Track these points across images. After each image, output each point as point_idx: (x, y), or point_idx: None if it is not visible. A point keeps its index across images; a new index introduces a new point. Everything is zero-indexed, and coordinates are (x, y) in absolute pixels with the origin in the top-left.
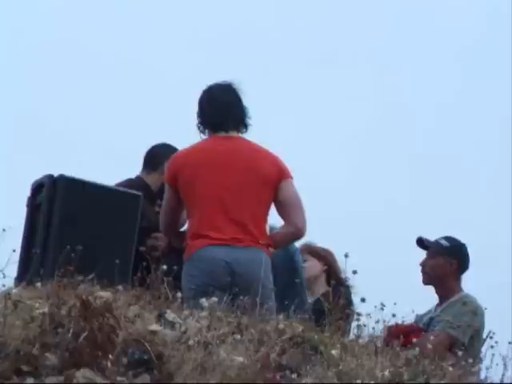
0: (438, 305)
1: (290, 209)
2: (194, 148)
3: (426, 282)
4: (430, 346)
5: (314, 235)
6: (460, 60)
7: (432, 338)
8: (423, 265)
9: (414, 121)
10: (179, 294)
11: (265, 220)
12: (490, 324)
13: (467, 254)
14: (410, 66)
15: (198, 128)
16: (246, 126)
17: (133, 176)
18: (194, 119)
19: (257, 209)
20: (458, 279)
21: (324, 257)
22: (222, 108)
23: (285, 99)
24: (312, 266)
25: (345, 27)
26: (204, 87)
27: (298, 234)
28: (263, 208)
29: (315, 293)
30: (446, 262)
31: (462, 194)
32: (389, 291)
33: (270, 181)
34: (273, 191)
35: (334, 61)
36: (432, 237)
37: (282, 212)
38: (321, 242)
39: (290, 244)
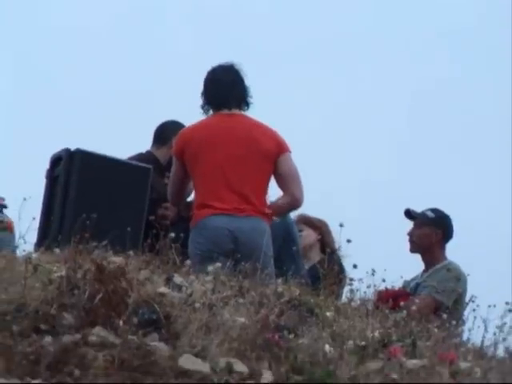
0: (424, 271)
1: (288, 180)
2: (200, 124)
3: (413, 250)
4: (416, 308)
5: (310, 206)
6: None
7: (418, 301)
8: (410, 234)
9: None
10: (188, 262)
11: (265, 191)
12: (472, 289)
13: (451, 225)
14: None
15: (203, 108)
16: (247, 104)
17: (143, 150)
18: (198, 99)
19: (257, 181)
20: (442, 248)
21: (318, 227)
22: (224, 87)
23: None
24: (307, 236)
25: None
26: (208, 69)
27: (296, 203)
28: (263, 180)
29: (311, 260)
30: (431, 231)
31: (449, 169)
32: (379, 258)
33: (269, 154)
34: (272, 164)
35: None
36: (419, 208)
37: (281, 184)
38: (316, 213)
39: (288, 213)
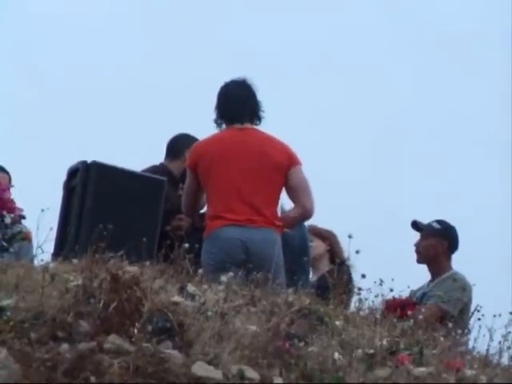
0: (430, 281)
1: (299, 192)
2: (213, 138)
3: (420, 261)
4: (422, 317)
5: (318, 217)
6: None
7: (424, 310)
8: (417, 245)
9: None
10: (200, 271)
11: (276, 203)
12: (477, 299)
13: (457, 236)
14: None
15: (216, 122)
16: (259, 119)
17: (157, 163)
18: (211, 113)
19: (269, 193)
20: (448, 258)
21: (327, 238)
22: (238, 102)
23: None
24: (317, 246)
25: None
26: (221, 83)
27: (307, 214)
28: (275, 192)
29: (319, 271)
30: (437, 242)
31: (456, 178)
32: (387, 269)
33: (281, 167)
34: (283, 177)
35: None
36: (426, 220)
37: (292, 196)
38: (324, 224)
39: (299, 224)
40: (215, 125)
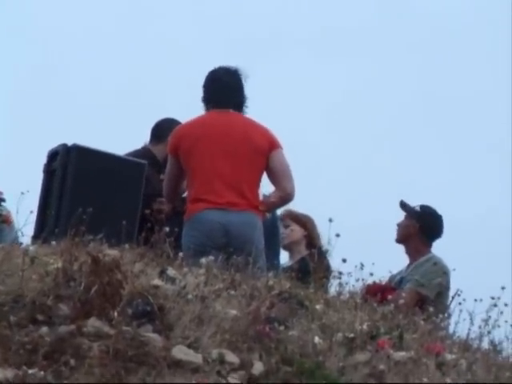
0: (408, 265)
1: (279, 175)
2: (194, 122)
3: (396, 239)
4: (400, 301)
5: (296, 201)
6: None
7: (404, 295)
8: (398, 225)
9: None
10: (181, 254)
11: (258, 186)
12: (458, 283)
13: (435, 223)
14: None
15: (202, 101)
16: (242, 111)
17: (140, 147)
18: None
19: (250, 175)
20: (424, 242)
21: (304, 222)
22: (227, 89)
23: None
24: (294, 231)
25: None
26: (212, 68)
27: (287, 197)
28: (256, 175)
29: (296, 255)
30: (410, 224)
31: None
32: (368, 253)
33: (262, 150)
34: (265, 160)
35: None
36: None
37: (272, 179)
38: (304, 207)
39: (281, 207)
40: (202, 103)
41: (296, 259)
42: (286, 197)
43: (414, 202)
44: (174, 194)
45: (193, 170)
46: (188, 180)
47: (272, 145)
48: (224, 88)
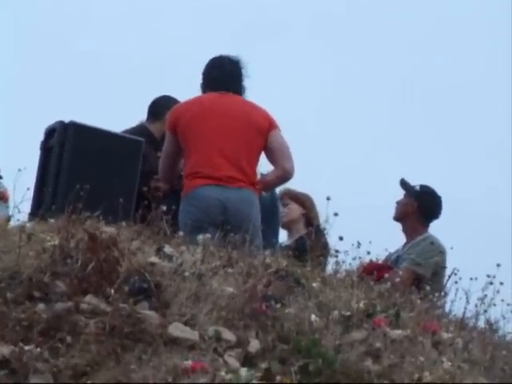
0: (405, 243)
1: (278, 154)
2: (193, 100)
3: (394, 217)
4: (396, 280)
5: (296, 180)
6: None
7: (400, 273)
8: (397, 202)
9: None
10: (180, 233)
11: (256, 165)
12: (455, 262)
13: (434, 204)
14: None
15: (201, 87)
16: (239, 91)
17: (136, 124)
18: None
19: (249, 153)
20: (421, 222)
21: (303, 201)
22: (226, 77)
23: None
24: (293, 210)
25: None
26: (213, 56)
27: (286, 175)
28: (255, 153)
29: (295, 234)
30: (408, 202)
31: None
32: (365, 231)
33: (261, 129)
34: (263, 139)
35: None
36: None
37: (271, 158)
38: (303, 186)
39: (280, 185)
40: (201, 89)
41: (294, 238)
42: (284, 175)
43: (413, 182)
44: (171, 173)
45: (190, 146)
46: (185, 156)
47: (271, 125)
48: (224, 75)
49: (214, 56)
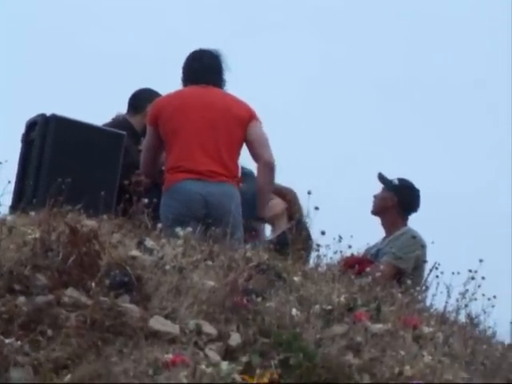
0: (384, 237)
1: (256, 145)
2: (174, 93)
3: (372, 211)
4: (378, 274)
5: (280, 173)
6: None
7: (381, 267)
8: (375, 196)
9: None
10: (159, 225)
11: (237, 158)
12: (436, 256)
13: (413, 197)
14: None
15: (182, 81)
16: (218, 84)
17: (117, 116)
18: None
19: (230, 146)
20: (400, 215)
21: (285, 195)
22: (205, 70)
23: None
24: (276, 204)
25: None
26: (193, 49)
27: (268, 165)
28: (236, 146)
29: (278, 228)
30: (388, 196)
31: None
32: (346, 225)
33: (241, 121)
34: (243, 132)
35: None
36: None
37: (251, 150)
38: (286, 180)
39: (271, 178)
40: (182, 82)
41: (277, 232)
42: (265, 165)
43: (393, 176)
44: (152, 167)
45: (172, 140)
46: (167, 150)
47: (251, 116)
48: (204, 68)
49: (194, 50)
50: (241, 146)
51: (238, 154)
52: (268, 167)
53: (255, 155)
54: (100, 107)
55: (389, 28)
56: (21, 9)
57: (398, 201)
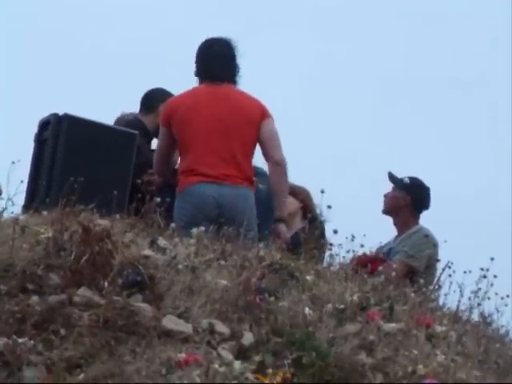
0: (397, 236)
1: (268, 145)
2: (187, 93)
3: (383, 210)
4: (393, 274)
5: (293, 173)
6: None
7: (394, 266)
8: (385, 196)
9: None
10: (173, 225)
11: (251, 158)
12: (448, 255)
13: (424, 195)
14: None
15: (196, 75)
16: (236, 82)
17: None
18: (187, 69)
19: (243, 147)
20: (413, 214)
21: (299, 194)
22: (221, 62)
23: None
24: (290, 203)
25: None
26: (204, 39)
27: (280, 165)
28: (249, 147)
29: (293, 228)
30: (401, 196)
31: (427, 136)
32: (359, 224)
33: (254, 121)
34: (257, 131)
35: None
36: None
37: (262, 150)
38: (299, 180)
39: (284, 178)
40: (196, 77)
41: (291, 232)
42: (277, 165)
43: (403, 174)
44: (165, 166)
45: (186, 142)
46: (180, 152)
47: (263, 114)
48: (218, 58)
49: (206, 39)
50: (254, 146)
51: (251, 155)
52: (278, 167)
53: (266, 155)
54: (101, 107)
55: (388, 26)
56: (21, 9)
57: (410, 200)
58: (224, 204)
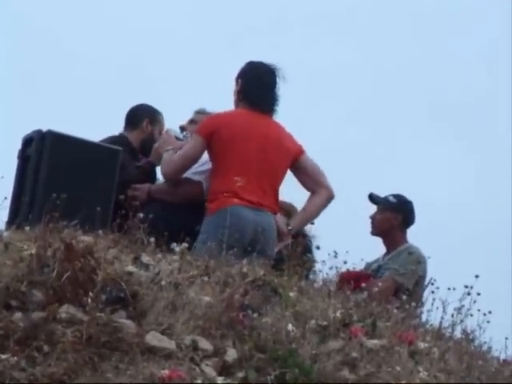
0: (385, 254)
1: (317, 177)
2: (234, 114)
3: (374, 233)
4: (377, 290)
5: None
6: None
7: (380, 283)
8: (372, 218)
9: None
10: (152, 239)
11: (279, 189)
12: (432, 272)
13: (412, 211)
14: None
15: (238, 95)
16: (275, 111)
17: (116, 134)
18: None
19: (277, 179)
20: (403, 232)
21: (288, 211)
22: (267, 90)
23: None
24: (279, 220)
25: None
26: (251, 62)
27: (332, 195)
28: (281, 178)
29: (280, 244)
30: (392, 216)
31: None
32: (342, 241)
33: (290, 155)
34: (290, 164)
35: None
36: (382, 193)
37: (309, 181)
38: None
39: (325, 207)
40: (237, 96)
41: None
42: (331, 195)
43: (385, 191)
44: (182, 173)
45: (226, 164)
46: (219, 170)
47: (301, 150)
48: (268, 89)
49: (257, 64)
50: (284, 178)
51: (279, 187)
52: (332, 198)
53: (317, 185)
54: (85, 123)
55: (387, 27)
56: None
57: (401, 218)
58: (260, 232)
